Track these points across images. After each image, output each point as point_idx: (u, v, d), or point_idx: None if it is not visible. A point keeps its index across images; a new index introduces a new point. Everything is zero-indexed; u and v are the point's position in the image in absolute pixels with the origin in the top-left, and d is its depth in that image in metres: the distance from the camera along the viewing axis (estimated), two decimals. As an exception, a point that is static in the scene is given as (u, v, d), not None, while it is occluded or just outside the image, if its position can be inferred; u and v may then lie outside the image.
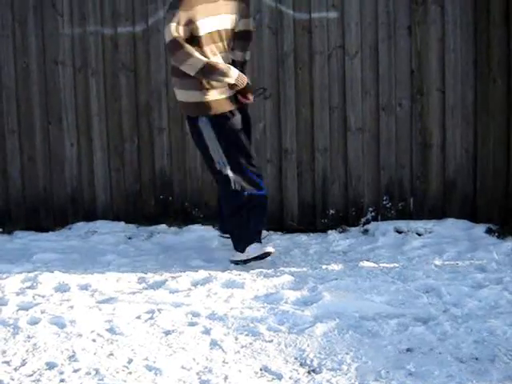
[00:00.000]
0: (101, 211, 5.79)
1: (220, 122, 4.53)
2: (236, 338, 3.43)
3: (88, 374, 3.07)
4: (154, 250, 5.15)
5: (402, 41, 5.41)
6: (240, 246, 4.60)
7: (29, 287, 4.25)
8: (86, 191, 5.81)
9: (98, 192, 5.80)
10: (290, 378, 3.01)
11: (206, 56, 4.40)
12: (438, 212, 5.46)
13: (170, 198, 5.72)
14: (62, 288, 4.23)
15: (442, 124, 5.43)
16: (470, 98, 5.38)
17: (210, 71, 4.39)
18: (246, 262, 4.55)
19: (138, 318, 3.72)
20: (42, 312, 3.79)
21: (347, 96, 5.48)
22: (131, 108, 5.70)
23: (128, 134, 5.73)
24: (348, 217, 5.55)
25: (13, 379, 3.03)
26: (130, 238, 5.45)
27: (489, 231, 5.19)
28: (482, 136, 5.37)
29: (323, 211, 5.59)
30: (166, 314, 3.74)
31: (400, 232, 5.30)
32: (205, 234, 5.34)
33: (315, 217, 5.58)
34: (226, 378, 3.01)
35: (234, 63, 4.59)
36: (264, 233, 4.77)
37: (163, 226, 5.62)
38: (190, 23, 4.38)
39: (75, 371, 3.09)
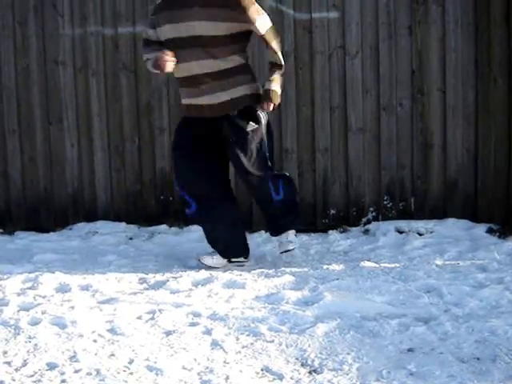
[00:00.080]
0: (101, 211, 5.80)
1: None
2: (237, 339, 3.42)
3: (89, 374, 3.06)
4: (154, 251, 5.15)
5: (402, 41, 5.41)
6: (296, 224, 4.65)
7: (30, 288, 4.25)
8: (87, 191, 5.81)
9: (98, 192, 5.80)
10: (291, 378, 3.01)
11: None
12: (439, 212, 5.46)
13: (171, 198, 5.72)
14: (63, 288, 4.23)
15: (443, 124, 5.43)
16: (471, 98, 5.38)
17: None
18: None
19: (139, 318, 3.72)
20: (43, 312, 3.79)
21: (348, 96, 5.48)
22: (132, 108, 5.71)
23: (129, 134, 5.73)
24: (349, 217, 5.56)
25: (14, 380, 3.03)
26: (130, 239, 5.45)
27: (490, 231, 5.20)
28: (483, 136, 5.37)
29: (324, 211, 5.59)
30: (167, 314, 3.73)
31: (401, 232, 5.30)
32: (205, 234, 5.33)
33: (316, 217, 5.58)
34: (227, 378, 3.01)
35: (245, 67, 4.49)
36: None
37: (164, 227, 5.63)
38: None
39: (76, 372, 3.09)
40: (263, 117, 4.44)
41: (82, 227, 5.70)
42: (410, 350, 3.24)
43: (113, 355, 3.25)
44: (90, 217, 5.78)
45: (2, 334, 3.54)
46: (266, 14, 4.40)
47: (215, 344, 3.36)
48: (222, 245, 4.66)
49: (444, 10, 5.34)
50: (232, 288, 4.15)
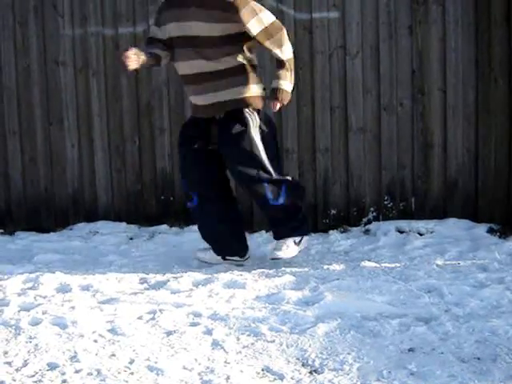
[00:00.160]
0: (102, 212, 5.80)
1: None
2: (238, 339, 3.42)
3: (90, 374, 3.06)
4: (155, 251, 5.15)
5: (403, 40, 5.41)
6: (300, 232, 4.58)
7: (30, 288, 4.25)
8: (87, 192, 5.81)
9: (99, 192, 5.80)
10: (291, 378, 3.01)
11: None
12: (439, 212, 5.46)
13: (172, 199, 5.72)
14: (64, 289, 4.23)
15: (444, 124, 5.43)
16: (472, 98, 5.38)
17: None
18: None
19: (140, 318, 3.72)
20: (44, 313, 3.79)
21: (348, 96, 5.48)
22: (132, 108, 5.71)
23: (129, 135, 5.74)
24: (349, 217, 5.55)
25: (14, 380, 3.03)
26: (131, 239, 5.45)
27: (490, 231, 5.19)
28: (484, 136, 5.37)
29: (324, 211, 5.59)
30: (168, 314, 3.73)
31: (401, 232, 5.30)
32: (206, 234, 5.33)
33: (316, 217, 5.58)
34: (227, 378, 3.01)
35: (254, 67, 4.48)
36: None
37: (164, 227, 5.63)
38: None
39: (77, 372, 3.09)
40: (252, 120, 4.40)
41: (83, 227, 5.70)
42: (410, 349, 3.24)
43: (113, 355, 3.25)
44: (91, 217, 5.78)
45: (3, 334, 3.55)
46: (265, 12, 4.31)
47: (216, 344, 3.36)
48: (217, 242, 4.66)
49: (444, 10, 5.34)
50: (232, 288, 4.15)
